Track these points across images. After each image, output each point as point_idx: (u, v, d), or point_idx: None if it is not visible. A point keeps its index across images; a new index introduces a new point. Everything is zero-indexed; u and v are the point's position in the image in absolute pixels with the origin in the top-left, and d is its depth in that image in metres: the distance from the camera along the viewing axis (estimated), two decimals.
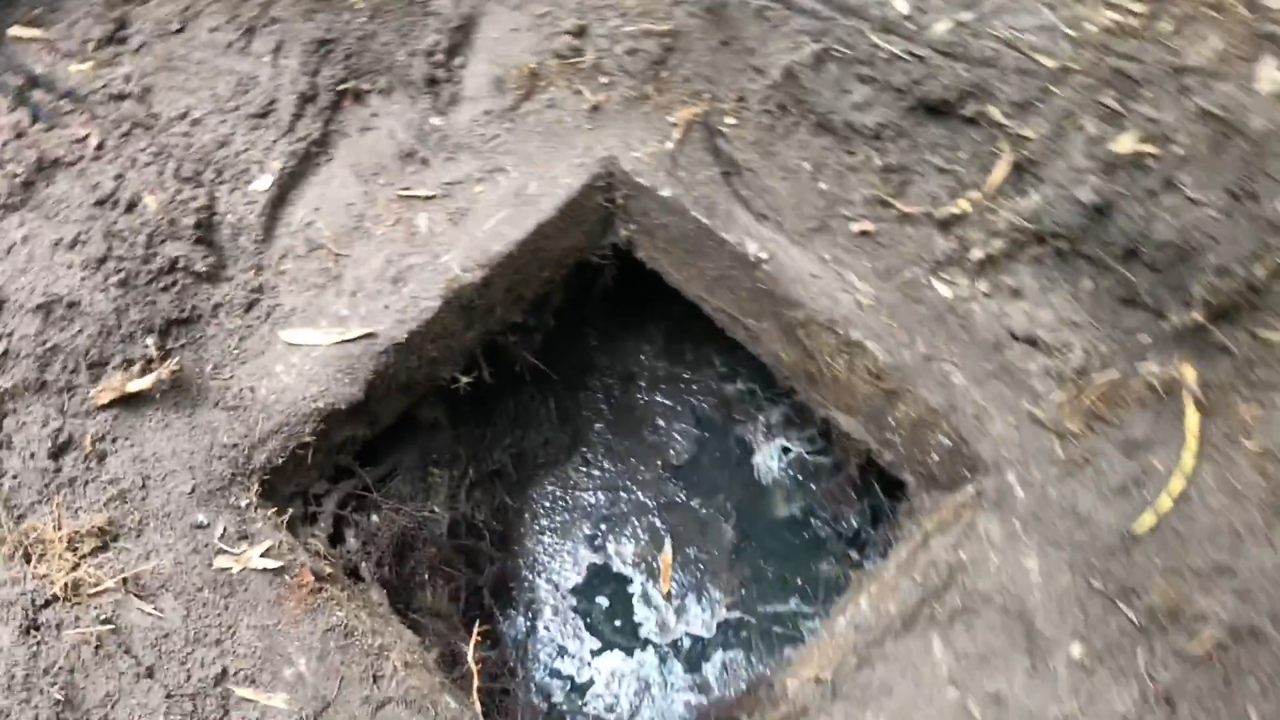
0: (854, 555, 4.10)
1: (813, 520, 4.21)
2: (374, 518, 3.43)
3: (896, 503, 3.60)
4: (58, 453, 2.90)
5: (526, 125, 3.68)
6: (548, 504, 4.25)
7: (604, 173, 3.54)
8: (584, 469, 4.31)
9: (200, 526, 2.91)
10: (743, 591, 4.08)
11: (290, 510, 3.17)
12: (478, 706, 2.91)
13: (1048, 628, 2.77)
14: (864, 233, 3.39)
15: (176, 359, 3.06)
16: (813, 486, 4.28)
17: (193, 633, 2.71)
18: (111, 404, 2.99)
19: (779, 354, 3.60)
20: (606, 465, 4.32)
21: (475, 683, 2.83)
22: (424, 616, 3.41)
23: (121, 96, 3.49)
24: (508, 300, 3.56)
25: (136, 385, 2.99)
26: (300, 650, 2.77)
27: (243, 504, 2.98)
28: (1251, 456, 2.86)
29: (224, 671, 2.67)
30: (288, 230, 3.37)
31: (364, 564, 3.26)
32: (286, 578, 2.88)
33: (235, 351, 3.18)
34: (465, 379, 3.53)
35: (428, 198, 3.48)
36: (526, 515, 4.22)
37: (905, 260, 3.33)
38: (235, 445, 3.02)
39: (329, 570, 3.06)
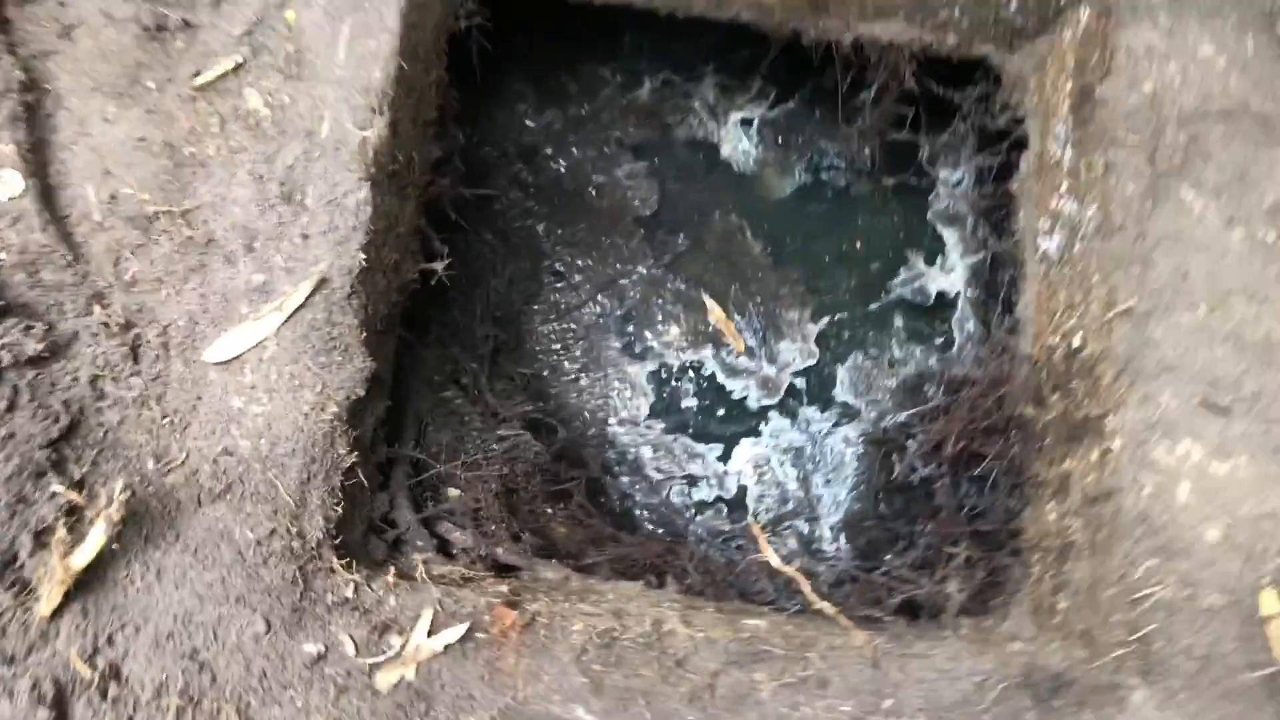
0: (889, 180, 3.53)
1: (825, 175, 3.59)
2: (452, 491, 2.58)
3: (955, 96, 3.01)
4: (58, 706, 1.91)
5: None
6: (558, 345, 3.45)
7: None
8: (562, 283, 3.49)
9: (318, 659, 2.03)
10: (816, 293, 3.49)
11: (380, 554, 2.30)
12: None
13: None
14: None
15: (102, 484, 2.03)
16: (799, 140, 3.62)
17: None
18: (63, 605, 1.97)
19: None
20: (581, 262, 3.51)
21: (805, 585, 2.16)
22: (590, 545, 2.68)
23: None
24: (420, 134, 2.57)
25: (83, 555, 1.96)
26: (568, 697, 2.02)
27: (335, 593, 2.09)
28: None
29: None
30: (92, 224, 2.22)
31: (499, 548, 2.45)
32: (479, 633, 2.06)
33: (164, 422, 2.14)
34: (436, 265, 2.59)
35: (236, 67, 2.36)
36: (548, 373, 3.42)
37: None
38: (272, 531, 2.08)
39: (485, 578, 2.26)
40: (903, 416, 2.98)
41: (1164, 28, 2.46)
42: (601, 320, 3.50)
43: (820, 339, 3.48)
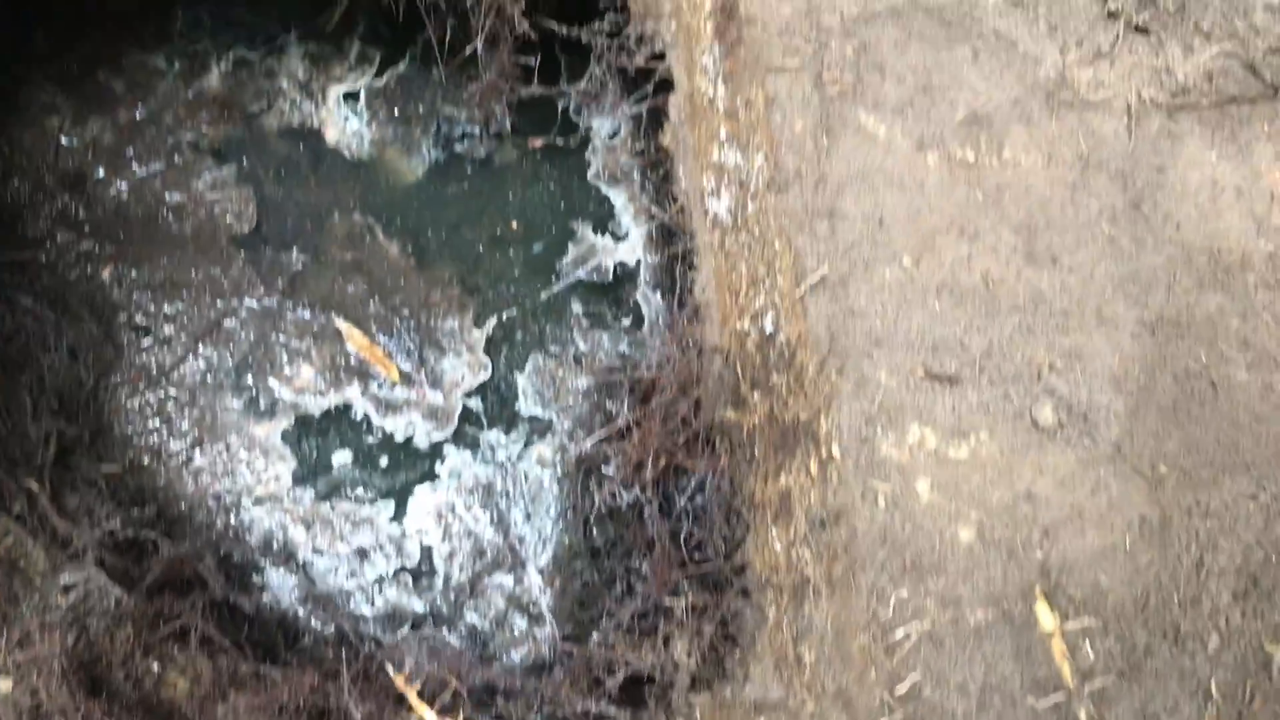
0: (536, 142, 2.98)
1: (459, 147, 3.02)
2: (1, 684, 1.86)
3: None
4: None
5: None
6: (158, 421, 2.73)
7: None
8: (149, 339, 2.76)
9: None
10: (476, 292, 2.92)
11: None
12: None
13: None
14: None
15: None
16: (419, 109, 3.01)
17: None
18: None
19: None
20: (169, 307, 2.78)
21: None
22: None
23: None
24: None
25: None
26: None
27: None
28: None
29: None
30: None
31: None
32: None
33: None
34: None
35: None
36: (149, 460, 2.69)
37: None
38: None
39: None
40: (592, 438, 2.46)
41: None
42: (210, 376, 2.78)
43: (490, 346, 2.91)
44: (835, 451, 1.84)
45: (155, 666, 2.15)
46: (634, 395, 2.46)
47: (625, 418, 2.37)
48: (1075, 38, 2.09)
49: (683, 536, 2.26)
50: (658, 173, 2.64)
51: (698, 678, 2.04)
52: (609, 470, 2.53)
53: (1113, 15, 2.11)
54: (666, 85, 2.33)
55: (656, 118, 2.50)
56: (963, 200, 1.98)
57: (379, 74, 3.00)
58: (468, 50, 2.56)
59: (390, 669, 1.99)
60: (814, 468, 1.88)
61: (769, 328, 1.99)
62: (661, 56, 2.32)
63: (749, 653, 2.04)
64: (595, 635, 2.33)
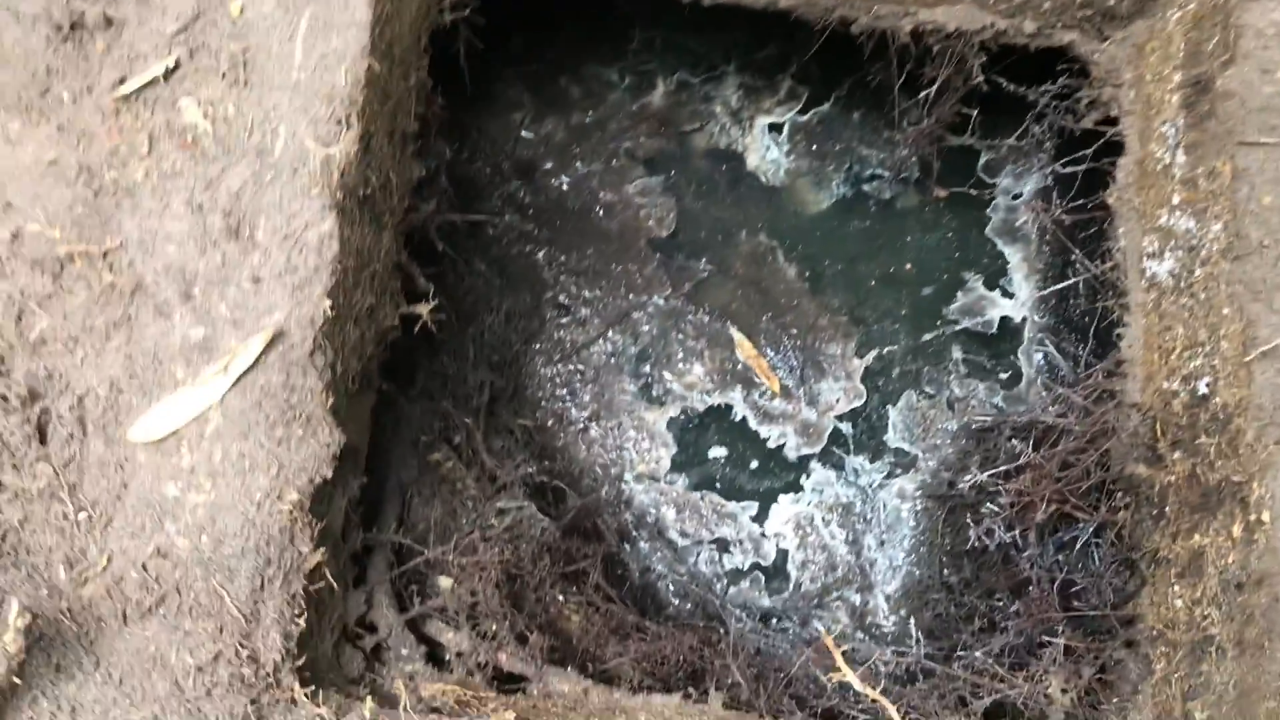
0: (941, 192, 3.15)
1: (866, 187, 3.22)
2: (443, 581, 2.19)
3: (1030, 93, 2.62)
4: None
5: None
6: (564, 390, 3.07)
7: None
8: (568, 318, 3.11)
9: None
10: (861, 324, 3.11)
11: (355, 669, 1.92)
12: None
13: None
14: None
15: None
16: (835, 147, 3.24)
17: None
18: None
19: None
20: (589, 293, 3.13)
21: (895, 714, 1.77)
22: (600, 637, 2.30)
23: None
24: (398, 150, 2.19)
25: None
26: None
27: None
28: None
29: None
30: None
31: (502, 653, 2.06)
32: None
33: (80, 519, 1.75)
34: (421, 308, 2.21)
35: (169, 72, 1.98)
36: (553, 423, 3.03)
37: None
38: (217, 655, 1.69)
39: (485, 698, 1.88)
40: (981, 475, 2.58)
41: None
42: (613, 360, 3.11)
43: (867, 376, 3.09)
44: (1265, 517, 1.89)
45: (560, 598, 2.45)
46: (1022, 441, 2.56)
47: (1014, 461, 2.48)
48: None
49: (1061, 581, 2.35)
50: (1081, 233, 2.74)
51: (1072, 716, 2.12)
52: (985, 510, 2.64)
53: None
54: (1113, 149, 2.45)
55: (1090, 181, 2.63)
56: None
57: (803, 111, 3.27)
58: (912, 98, 2.78)
59: (821, 629, 2.19)
60: (1237, 530, 1.93)
61: (1203, 390, 2.06)
62: (1114, 121, 2.45)
63: (1129, 702, 2.10)
64: (958, 660, 2.44)
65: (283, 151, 1.91)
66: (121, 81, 1.97)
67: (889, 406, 3.07)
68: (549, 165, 3.25)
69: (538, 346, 3.09)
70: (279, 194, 1.90)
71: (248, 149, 1.92)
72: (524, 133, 3.25)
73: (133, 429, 1.80)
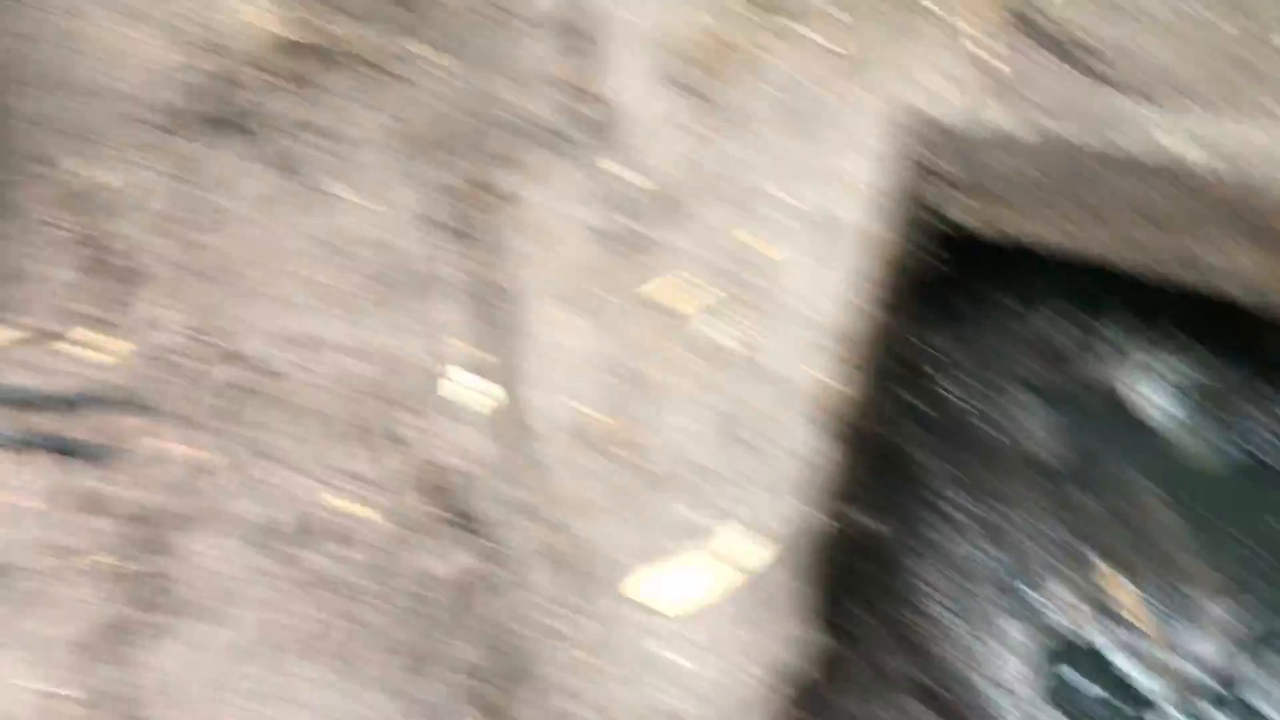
0: None
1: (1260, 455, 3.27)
2: None
3: None
4: None
5: (743, 114, 2.57)
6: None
7: (909, 133, 2.47)
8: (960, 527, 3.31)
9: None
10: (1249, 591, 3.13)
11: None
12: None
13: None
14: None
15: None
16: (1231, 406, 3.32)
17: None
18: None
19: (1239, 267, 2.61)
20: (974, 509, 3.31)
21: None
22: None
23: None
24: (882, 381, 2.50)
25: None
26: None
27: None
28: None
29: None
30: (552, 441, 2.24)
31: None
32: None
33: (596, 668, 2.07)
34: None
35: (687, 283, 2.36)
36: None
37: None
38: None
39: None
40: None
41: None
42: (978, 570, 3.26)
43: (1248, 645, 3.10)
44: None
45: None
46: None
47: None
48: None
49: None
50: None
51: None
52: None
53: None
54: None
55: None
56: None
57: (1197, 364, 3.38)
58: None
59: None
60: None
61: None
62: None
63: None
64: None
65: (794, 377, 2.24)
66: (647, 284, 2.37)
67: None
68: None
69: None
70: (782, 413, 2.22)
71: (762, 370, 2.26)
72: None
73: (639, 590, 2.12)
